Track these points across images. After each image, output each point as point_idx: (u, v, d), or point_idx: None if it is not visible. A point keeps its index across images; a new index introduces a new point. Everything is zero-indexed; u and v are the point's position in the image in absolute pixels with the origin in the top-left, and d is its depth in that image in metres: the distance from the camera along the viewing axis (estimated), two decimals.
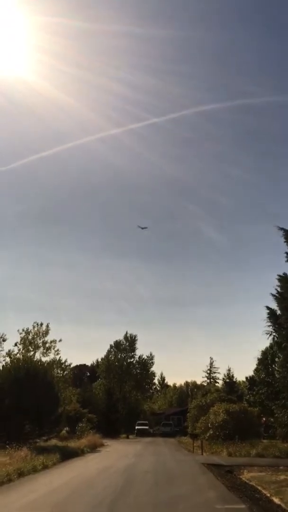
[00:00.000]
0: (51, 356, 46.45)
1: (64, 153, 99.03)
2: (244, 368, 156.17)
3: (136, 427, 64.18)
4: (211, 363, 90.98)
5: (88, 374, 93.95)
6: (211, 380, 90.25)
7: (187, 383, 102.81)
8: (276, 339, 16.76)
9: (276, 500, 12.75)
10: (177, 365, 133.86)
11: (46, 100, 76.45)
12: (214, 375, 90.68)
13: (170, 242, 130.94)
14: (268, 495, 13.62)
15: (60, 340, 47.06)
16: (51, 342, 46.21)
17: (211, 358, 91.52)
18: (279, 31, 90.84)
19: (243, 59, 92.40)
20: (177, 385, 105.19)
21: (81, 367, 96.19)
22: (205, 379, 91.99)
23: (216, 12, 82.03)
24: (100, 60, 75.38)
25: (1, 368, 35.04)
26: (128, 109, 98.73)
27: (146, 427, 65.46)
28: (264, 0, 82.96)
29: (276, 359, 18.88)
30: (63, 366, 50.89)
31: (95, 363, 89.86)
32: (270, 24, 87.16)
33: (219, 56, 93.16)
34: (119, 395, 71.48)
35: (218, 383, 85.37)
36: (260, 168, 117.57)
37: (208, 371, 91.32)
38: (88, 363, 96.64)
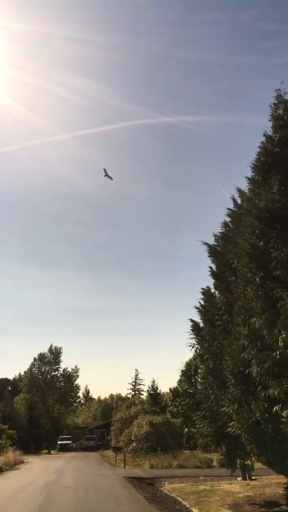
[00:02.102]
0: None
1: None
2: (169, 380, 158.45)
3: (58, 442, 62.72)
4: (136, 375, 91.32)
5: (10, 388, 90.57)
6: (136, 392, 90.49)
7: (111, 396, 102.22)
8: (198, 351, 17.11)
9: (195, 511, 12.96)
10: (103, 377, 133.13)
11: None
12: (139, 387, 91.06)
13: (100, 252, 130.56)
14: (188, 506, 13.82)
15: None
16: None
17: (137, 370, 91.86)
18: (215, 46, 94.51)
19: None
20: (102, 398, 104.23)
21: (3, 381, 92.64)
22: (130, 391, 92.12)
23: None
24: (45, 64, 74.38)
25: None
26: (74, 116, 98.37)
27: (69, 442, 64.13)
28: (202, 14, 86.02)
29: (199, 371, 19.29)
30: None
31: (17, 376, 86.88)
32: (205, 35, 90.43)
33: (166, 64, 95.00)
34: (42, 409, 69.52)
35: (142, 395, 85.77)
36: (189, 183, 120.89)
37: (133, 383, 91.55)
38: (11, 377, 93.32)
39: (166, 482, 19.98)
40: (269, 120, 11.64)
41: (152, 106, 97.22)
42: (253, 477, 19.79)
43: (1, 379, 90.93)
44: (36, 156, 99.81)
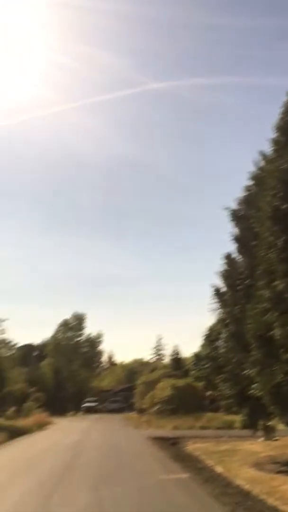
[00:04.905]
0: None
1: (12, 128, 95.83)
2: (192, 345, 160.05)
3: (83, 405, 64.60)
4: (159, 340, 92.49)
5: (36, 353, 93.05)
6: (159, 357, 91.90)
7: (135, 360, 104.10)
8: (220, 316, 17.23)
9: (218, 469, 13.31)
10: (127, 342, 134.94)
11: None
12: (161, 352, 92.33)
13: (121, 221, 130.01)
14: (212, 464, 14.18)
15: (6, 320, 46.01)
16: None
17: (159, 335, 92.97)
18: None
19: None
20: (126, 362, 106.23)
21: (29, 347, 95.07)
22: (153, 356, 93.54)
23: None
24: (48, 32, 72.84)
25: None
26: (79, 85, 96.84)
27: (94, 404, 65.92)
28: None
29: (221, 335, 19.51)
30: (9, 345, 50.11)
31: (43, 342, 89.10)
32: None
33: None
34: (67, 374, 71.54)
35: (165, 360, 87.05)
36: (210, 148, 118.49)
37: (156, 348, 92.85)
38: (36, 343, 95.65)
39: (189, 442, 20.46)
40: None
41: (158, 72, 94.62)
42: (275, 438, 20.08)
43: (26, 344, 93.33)
44: (48, 127, 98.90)
